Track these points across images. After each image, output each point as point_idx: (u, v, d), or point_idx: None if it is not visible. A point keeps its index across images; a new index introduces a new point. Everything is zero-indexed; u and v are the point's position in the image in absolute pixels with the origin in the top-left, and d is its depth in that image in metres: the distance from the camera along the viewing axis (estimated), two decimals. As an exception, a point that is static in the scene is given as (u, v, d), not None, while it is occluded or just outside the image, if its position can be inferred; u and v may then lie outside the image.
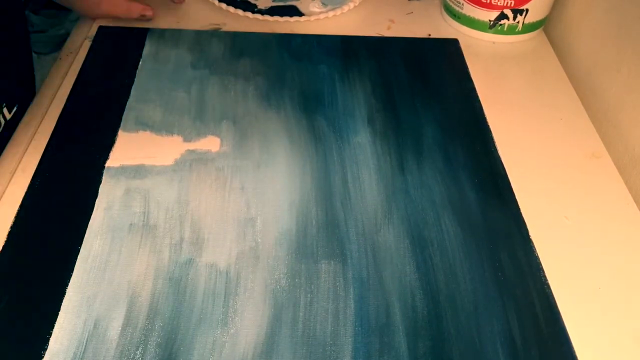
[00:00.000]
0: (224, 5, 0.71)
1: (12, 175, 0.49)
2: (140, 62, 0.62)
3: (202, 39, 0.66)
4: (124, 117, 0.55)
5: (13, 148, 0.52)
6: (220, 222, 0.47)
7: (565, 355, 0.40)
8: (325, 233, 0.46)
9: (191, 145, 0.53)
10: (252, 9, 0.71)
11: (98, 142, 0.53)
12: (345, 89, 0.60)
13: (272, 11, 0.71)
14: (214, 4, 0.72)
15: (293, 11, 0.71)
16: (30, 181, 0.49)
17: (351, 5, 0.72)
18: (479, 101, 0.60)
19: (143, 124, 0.55)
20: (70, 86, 0.58)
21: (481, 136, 0.56)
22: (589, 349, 0.40)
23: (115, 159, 0.51)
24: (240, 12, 0.70)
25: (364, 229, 0.47)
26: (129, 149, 0.52)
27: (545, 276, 0.44)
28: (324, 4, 0.72)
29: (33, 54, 0.61)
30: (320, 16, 0.70)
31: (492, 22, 0.68)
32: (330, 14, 0.71)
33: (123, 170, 0.50)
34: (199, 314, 0.41)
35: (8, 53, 0.55)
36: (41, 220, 0.46)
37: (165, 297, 0.42)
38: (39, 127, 0.54)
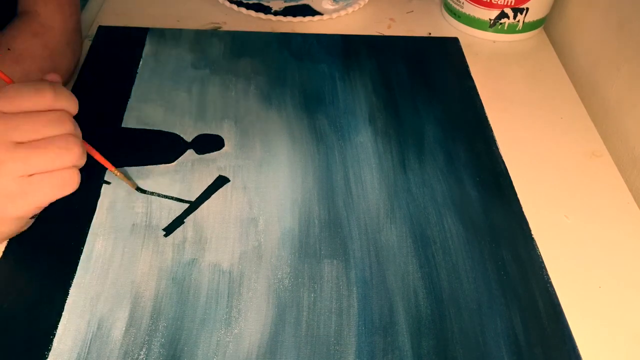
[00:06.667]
0: (235, 7, 0.71)
1: (14, 176, 0.49)
2: (141, 62, 0.62)
3: (202, 39, 0.66)
4: (125, 117, 0.55)
5: (14, 148, 0.52)
6: (222, 222, 0.47)
7: (569, 353, 0.40)
8: (327, 232, 0.46)
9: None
10: (266, 11, 0.71)
11: (100, 142, 0.52)
12: (346, 88, 0.60)
13: (287, 12, 0.71)
14: (214, 3, 0.71)
15: (306, 10, 0.71)
16: (32, 182, 0.49)
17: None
18: (479, 100, 0.60)
19: (144, 124, 0.55)
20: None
21: (482, 134, 0.56)
22: (591, 346, 0.40)
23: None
24: (252, 12, 0.70)
25: (367, 228, 0.47)
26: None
27: (547, 274, 0.44)
28: (335, 1, 0.72)
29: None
30: (341, 13, 0.71)
31: (492, 21, 0.68)
32: (347, 10, 0.71)
33: (125, 170, 0.50)
34: (203, 314, 0.41)
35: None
36: (44, 220, 0.46)
37: (169, 298, 0.42)
38: (39, 127, 0.54)
